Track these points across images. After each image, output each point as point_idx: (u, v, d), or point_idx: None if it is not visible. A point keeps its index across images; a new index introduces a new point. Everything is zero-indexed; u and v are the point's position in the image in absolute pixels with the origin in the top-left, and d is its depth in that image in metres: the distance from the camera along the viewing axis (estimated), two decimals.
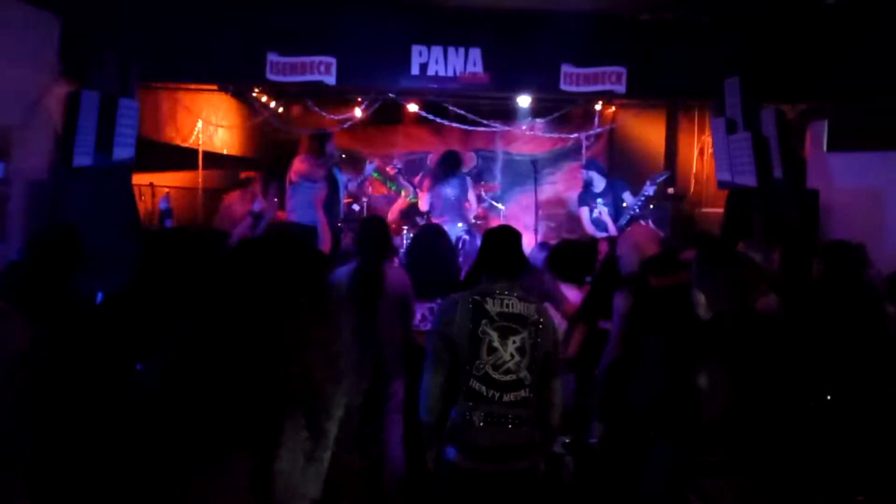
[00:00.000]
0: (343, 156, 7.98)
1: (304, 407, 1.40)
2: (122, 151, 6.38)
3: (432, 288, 4.62)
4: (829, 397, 3.17)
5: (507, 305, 3.09)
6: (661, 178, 7.11)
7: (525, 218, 9.07)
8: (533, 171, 8.31)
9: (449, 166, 7.84)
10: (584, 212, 7.56)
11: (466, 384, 3.05)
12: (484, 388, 3.03)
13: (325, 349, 1.43)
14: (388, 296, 4.11)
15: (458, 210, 7.80)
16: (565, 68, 6.78)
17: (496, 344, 3.04)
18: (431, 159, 9.54)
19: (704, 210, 8.07)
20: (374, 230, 4.34)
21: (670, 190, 8.81)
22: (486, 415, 3.02)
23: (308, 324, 1.38)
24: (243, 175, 7.84)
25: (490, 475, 3.03)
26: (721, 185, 6.93)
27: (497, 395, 3.02)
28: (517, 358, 3.05)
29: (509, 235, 3.31)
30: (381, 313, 4.08)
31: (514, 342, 3.05)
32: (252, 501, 1.35)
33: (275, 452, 1.37)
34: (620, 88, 6.80)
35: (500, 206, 9.09)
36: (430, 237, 5.45)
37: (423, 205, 7.85)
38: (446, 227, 6.11)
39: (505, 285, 3.15)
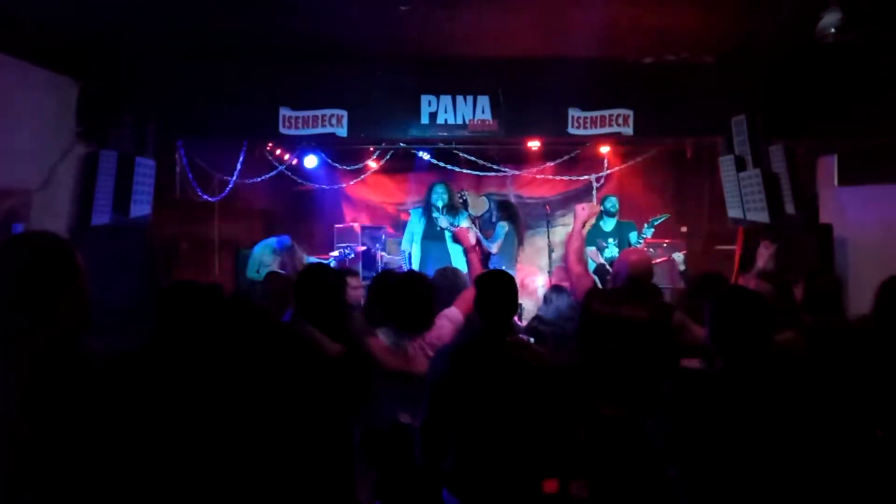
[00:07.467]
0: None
1: None
2: (140, 209, 6.50)
3: None
4: (879, 433, 3.09)
5: (503, 355, 3.01)
6: (658, 220, 7.22)
7: (538, 260, 9.09)
8: (545, 213, 8.36)
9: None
10: (594, 252, 7.57)
11: (463, 435, 2.98)
12: (481, 440, 2.96)
13: None
14: None
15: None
16: (572, 112, 6.88)
17: (491, 395, 2.95)
18: None
19: (718, 248, 8.05)
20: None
21: (683, 228, 8.81)
22: (484, 465, 2.95)
23: None
24: None
25: None
26: (733, 221, 6.93)
27: (495, 444, 2.95)
28: (515, 407, 2.97)
29: (506, 281, 3.14)
30: None
31: (510, 391, 2.97)
32: None
33: None
34: (628, 130, 6.87)
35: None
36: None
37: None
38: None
39: (500, 333, 3.07)
